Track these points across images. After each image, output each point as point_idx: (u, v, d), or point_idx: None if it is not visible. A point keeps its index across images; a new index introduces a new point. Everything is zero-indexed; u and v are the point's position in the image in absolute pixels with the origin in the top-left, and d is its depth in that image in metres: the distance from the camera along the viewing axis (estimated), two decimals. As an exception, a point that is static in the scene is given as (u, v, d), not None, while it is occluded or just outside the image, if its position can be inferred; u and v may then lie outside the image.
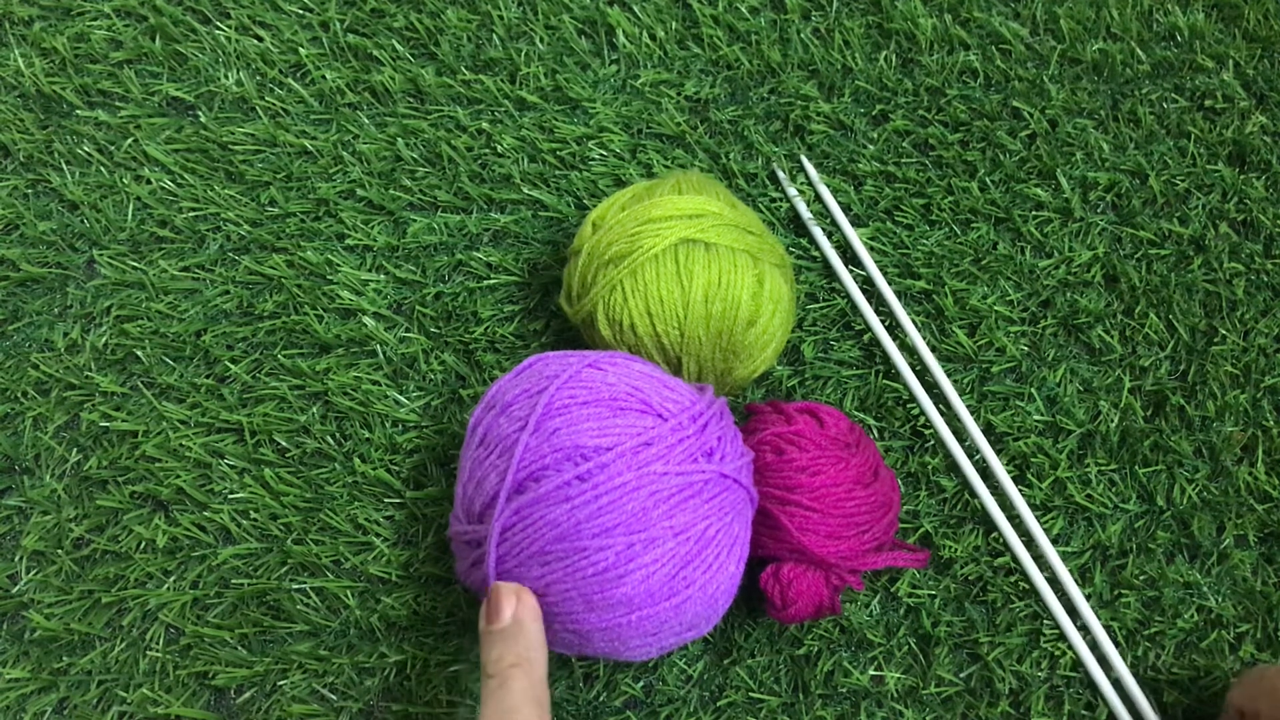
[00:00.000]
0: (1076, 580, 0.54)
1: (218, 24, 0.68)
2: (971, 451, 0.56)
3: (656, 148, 0.64)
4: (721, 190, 0.55)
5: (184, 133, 0.65)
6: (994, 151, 0.64)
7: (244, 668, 0.53)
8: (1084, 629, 0.53)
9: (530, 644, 0.41)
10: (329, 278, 0.61)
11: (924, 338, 0.59)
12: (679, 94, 0.66)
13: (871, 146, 0.64)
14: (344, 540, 0.55)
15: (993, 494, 0.55)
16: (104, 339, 0.60)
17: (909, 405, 0.58)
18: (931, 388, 0.58)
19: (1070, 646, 0.53)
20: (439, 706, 0.53)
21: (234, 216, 0.63)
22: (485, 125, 0.65)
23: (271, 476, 0.57)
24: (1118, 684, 0.52)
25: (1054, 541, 0.55)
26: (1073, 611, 0.53)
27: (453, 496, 0.52)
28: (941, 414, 0.57)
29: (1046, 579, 0.54)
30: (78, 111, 0.66)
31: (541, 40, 0.67)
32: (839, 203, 0.63)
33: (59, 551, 0.56)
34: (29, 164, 0.65)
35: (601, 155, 0.64)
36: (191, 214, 0.63)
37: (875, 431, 0.58)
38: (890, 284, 0.60)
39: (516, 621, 0.42)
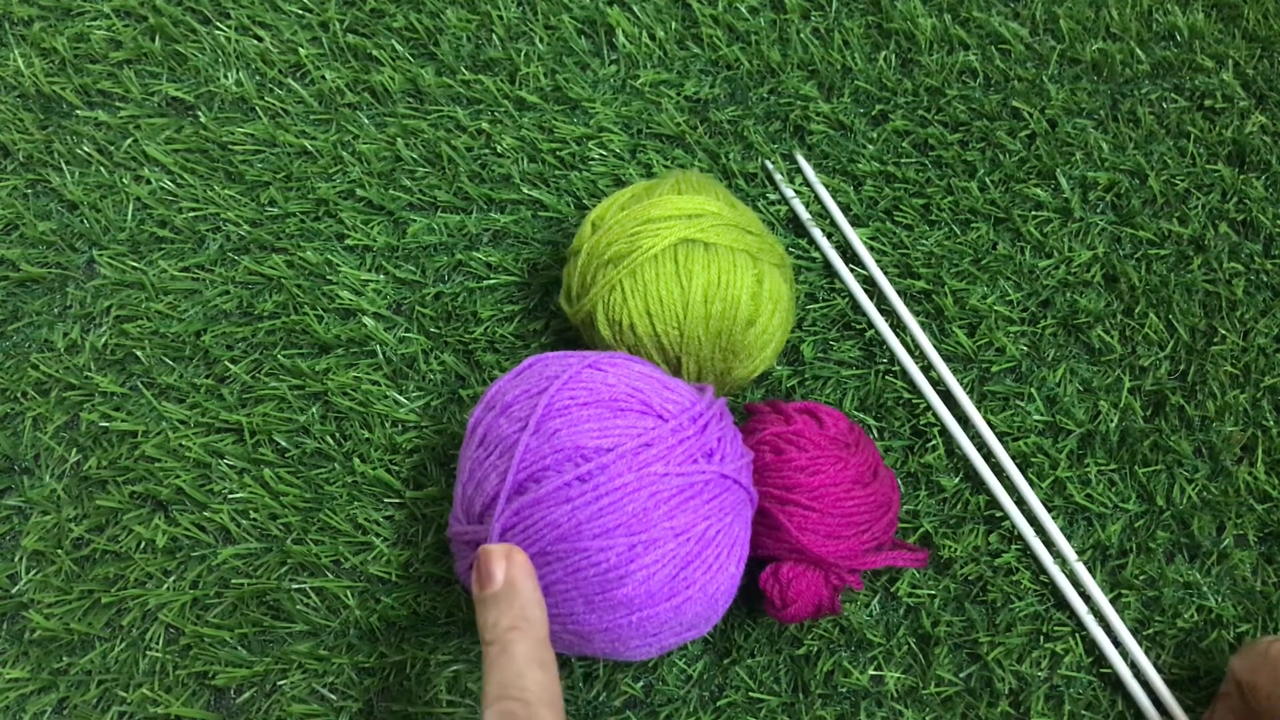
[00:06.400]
0: (1089, 570, 0.54)
1: (218, 24, 0.68)
2: (978, 446, 0.56)
3: (656, 148, 0.64)
4: (721, 190, 0.55)
5: (184, 133, 0.65)
6: (994, 151, 0.64)
7: (244, 668, 0.53)
8: (1100, 618, 0.53)
9: (527, 603, 0.39)
10: (329, 278, 0.61)
11: (925, 336, 0.59)
12: (679, 94, 0.66)
13: (871, 146, 0.64)
14: (344, 540, 0.55)
15: (1003, 487, 0.55)
16: (104, 339, 0.60)
17: (909, 405, 0.58)
18: (935, 384, 0.58)
19: (1084, 638, 0.53)
20: (439, 706, 0.53)
21: (234, 216, 0.63)
22: (485, 125, 0.65)
23: (271, 476, 0.57)
24: (1136, 672, 0.52)
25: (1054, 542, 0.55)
26: (1084, 604, 0.53)
27: (452, 497, 0.52)
28: (946, 410, 0.57)
29: (1064, 573, 0.54)
30: (78, 111, 0.66)
31: (541, 40, 0.67)
32: (838, 203, 0.63)
33: (59, 551, 0.56)
34: (29, 164, 0.65)
35: (601, 155, 0.64)
36: (191, 214, 0.63)
37: (875, 431, 0.58)
38: (890, 284, 0.60)
39: (509, 582, 0.39)
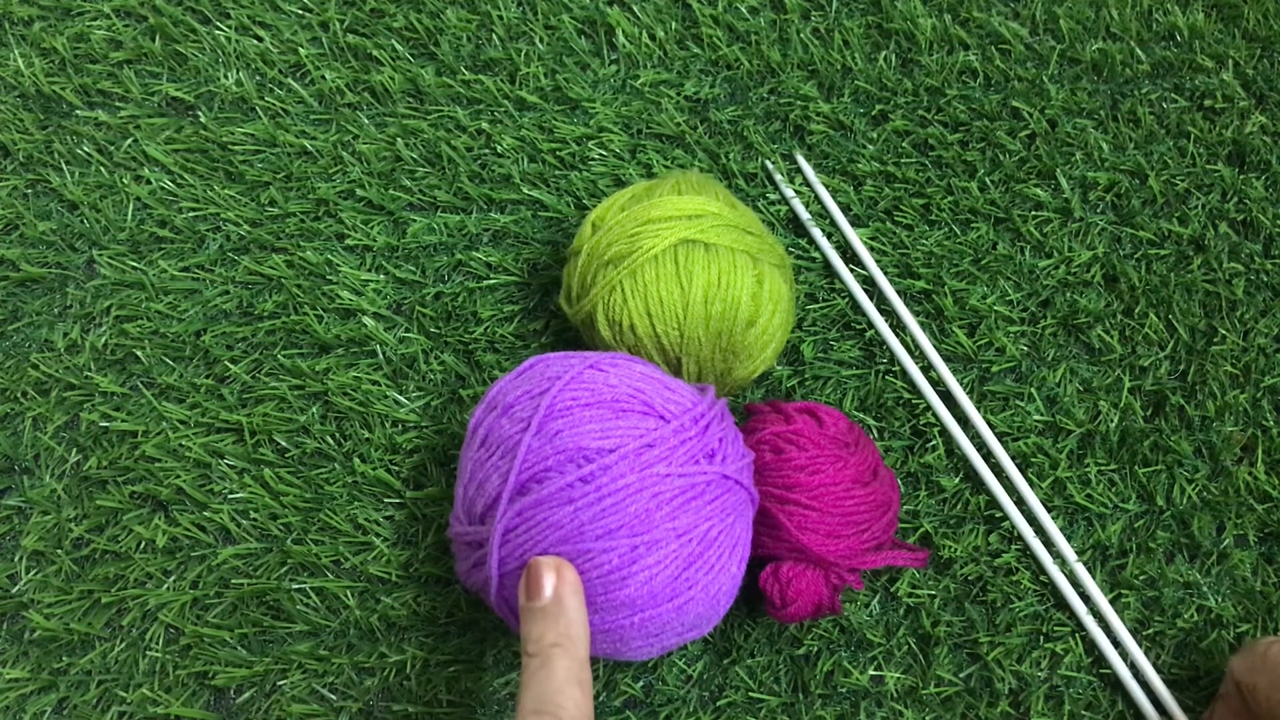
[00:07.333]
0: (1089, 570, 0.54)
1: (218, 24, 0.68)
2: (978, 446, 0.56)
3: (656, 148, 0.64)
4: (721, 190, 0.55)
5: (184, 133, 0.65)
6: (994, 151, 0.64)
7: (244, 668, 0.53)
8: (1099, 618, 0.53)
9: (571, 622, 0.40)
10: (329, 278, 0.61)
11: (925, 336, 0.59)
12: (679, 94, 0.66)
13: (871, 146, 0.64)
14: (344, 540, 0.55)
15: (1003, 487, 0.55)
16: (104, 339, 0.60)
17: (909, 405, 0.58)
18: (935, 384, 0.58)
19: (1084, 638, 0.53)
20: (439, 706, 0.53)
21: (234, 216, 0.63)
22: (485, 125, 0.65)
23: (271, 476, 0.56)
24: (1135, 672, 0.52)
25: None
26: (1084, 604, 0.53)
27: (453, 497, 0.52)
28: (946, 410, 0.57)
29: (1064, 574, 0.54)
30: (78, 111, 0.66)
31: (541, 40, 0.67)
32: (839, 203, 0.63)
33: (59, 551, 0.56)
34: (29, 164, 0.65)
35: (601, 155, 0.64)
36: (191, 214, 0.63)
37: (875, 431, 0.58)
38: (890, 284, 0.60)
39: (557, 598, 0.40)
